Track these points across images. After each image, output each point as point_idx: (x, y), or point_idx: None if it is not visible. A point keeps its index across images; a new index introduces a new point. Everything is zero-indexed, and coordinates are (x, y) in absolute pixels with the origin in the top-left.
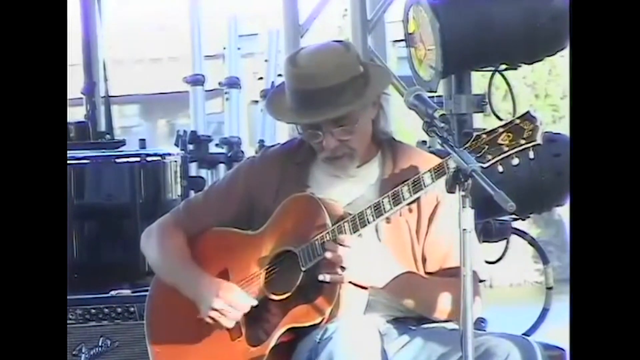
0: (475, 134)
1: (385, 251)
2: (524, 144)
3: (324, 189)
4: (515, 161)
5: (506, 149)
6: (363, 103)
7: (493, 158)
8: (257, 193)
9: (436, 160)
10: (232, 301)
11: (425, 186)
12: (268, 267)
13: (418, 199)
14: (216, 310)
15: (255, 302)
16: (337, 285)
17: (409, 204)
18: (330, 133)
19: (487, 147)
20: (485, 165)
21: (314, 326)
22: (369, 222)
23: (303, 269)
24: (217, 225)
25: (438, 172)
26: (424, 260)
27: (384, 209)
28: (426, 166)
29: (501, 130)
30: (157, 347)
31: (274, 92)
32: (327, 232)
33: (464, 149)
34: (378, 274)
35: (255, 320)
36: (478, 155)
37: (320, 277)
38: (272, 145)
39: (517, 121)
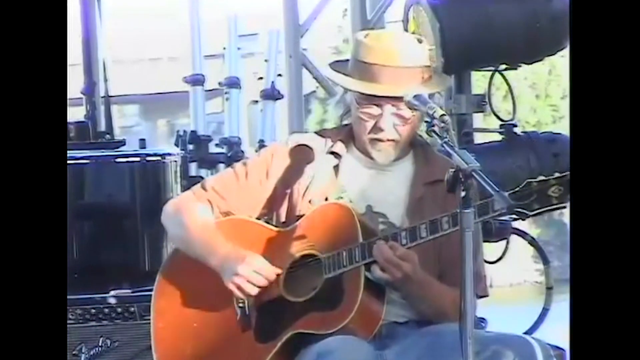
0: (526, 180)
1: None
2: None
3: (356, 180)
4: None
5: (555, 201)
6: (428, 92)
7: (540, 208)
8: (286, 179)
9: None
10: (257, 267)
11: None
12: (290, 267)
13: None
14: (240, 275)
15: (279, 271)
16: (356, 300)
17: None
18: (388, 113)
19: (535, 195)
20: (530, 214)
21: (324, 335)
22: (402, 245)
23: (326, 276)
24: (240, 207)
25: (481, 210)
26: (438, 262)
27: (419, 235)
28: None
29: (553, 182)
30: (161, 322)
31: (336, 62)
32: (357, 247)
33: (513, 192)
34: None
35: (267, 317)
36: (526, 201)
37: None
38: (299, 132)
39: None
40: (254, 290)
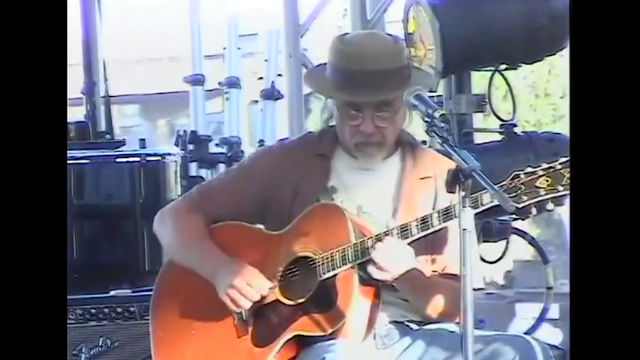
0: (514, 172)
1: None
2: (561, 191)
3: (345, 181)
4: (550, 206)
5: (543, 192)
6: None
7: (528, 200)
8: (275, 183)
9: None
10: (250, 280)
11: (455, 216)
12: (284, 270)
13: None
14: (234, 288)
15: (272, 285)
16: (351, 301)
17: (436, 231)
18: (370, 117)
19: (523, 187)
20: (519, 206)
21: (321, 337)
22: None
23: (320, 278)
24: (231, 212)
25: (474, 202)
26: (432, 260)
27: (410, 232)
28: (445, 171)
29: (541, 173)
30: (160, 331)
31: (314, 68)
32: (350, 246)
33: (500, 187)
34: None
35: (264, 322)
36: (514, 194)
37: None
38: (286, 138)
39: (559, 167)
40: (247, 304)
